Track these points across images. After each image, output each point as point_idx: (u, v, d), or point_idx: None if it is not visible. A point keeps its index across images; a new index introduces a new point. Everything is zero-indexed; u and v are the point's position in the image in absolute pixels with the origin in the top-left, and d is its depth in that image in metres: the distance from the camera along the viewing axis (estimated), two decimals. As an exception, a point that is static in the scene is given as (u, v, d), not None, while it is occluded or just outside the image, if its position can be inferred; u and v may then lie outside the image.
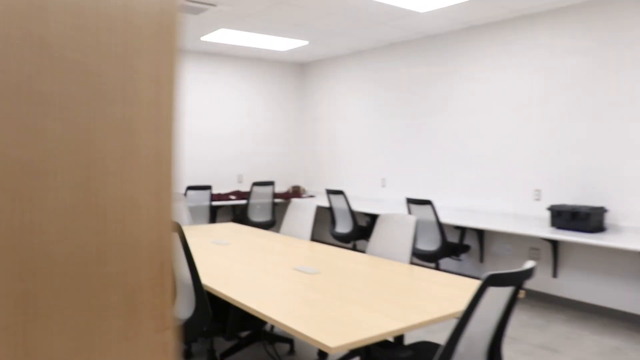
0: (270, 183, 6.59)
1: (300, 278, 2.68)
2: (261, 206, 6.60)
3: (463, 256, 5.59)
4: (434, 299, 2.32)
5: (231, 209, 7.14)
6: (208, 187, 6.14)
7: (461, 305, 2.25)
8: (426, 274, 2.80)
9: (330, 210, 6.12)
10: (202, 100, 7.07)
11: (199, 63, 7.02)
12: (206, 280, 2.60)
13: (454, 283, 2.61)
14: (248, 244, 3.68)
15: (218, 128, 7.23)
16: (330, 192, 5.96)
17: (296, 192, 7.67)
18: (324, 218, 7.50)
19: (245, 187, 7.44)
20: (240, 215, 6.62)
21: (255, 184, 6.47)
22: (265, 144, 7.69)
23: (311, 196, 7.52)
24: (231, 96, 7.33)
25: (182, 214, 4.69)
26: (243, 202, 6.66)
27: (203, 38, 6.10)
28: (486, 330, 2.00)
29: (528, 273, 1.90)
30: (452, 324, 1.95)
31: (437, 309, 2.18)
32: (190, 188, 6.00)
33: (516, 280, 1.88)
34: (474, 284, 2.59)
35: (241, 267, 2.93)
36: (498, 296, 1.91)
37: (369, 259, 3.20)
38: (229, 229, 4.41)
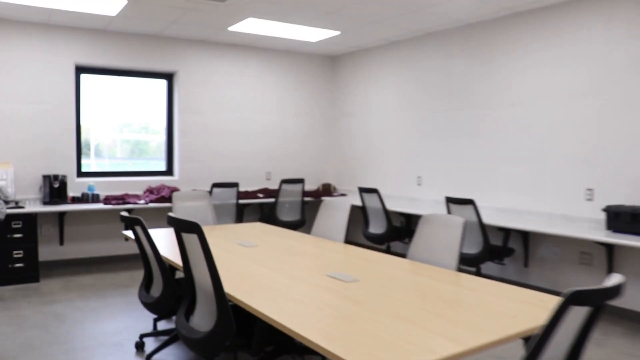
0: (300, 181, 6.31)
1: (335, 287, 2.37)
2: (290, 205, 6.33)
3: (506, 260, 5.20)
4: (492, 314, 1.99)
5: (259, 208, 6.89)
6: (235, 185, 5.90)
7: (526, 322, 1.91)
8: (478, 284, 2.46)
9: (362, 209, 5.81)
10: (228, 94, 6.83)
11: (226, 55, 6.78)
12: (229, 288, 2.32)
13: (511, 294, 2.27)
14: (276, 246, 3.40)
15: (245, 123, 6.99)
16: (363, 190, 5.64)
17: (327, 190, 7.37)
18: (356, 218, 7.18)
19: (273, 185, 7.19)
20: (268, 214, 6.36)
21: (284, 181, 6.20)
22: (295, 140, 7.41)
23: (342, 194, 7.21)
24: (259, 90, 7.07)
25: (207, 213, 4.45)
26: (271, 200, 6.40)
27: (230, 28, 5.85)
28: (557, 356, 1.66)
29: (616, 290, 1.56)
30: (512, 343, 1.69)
31: (498, 327, 1.85)
32: (215, 185, 5.77)
33: (602, 298, 1.55)
34: (534, 296, 2.25)
35: (269, 273, 2.64)
36: (575, 315, 1.58)
37: (411, 265, 2.88)
38: (256, 229, 4.14)
